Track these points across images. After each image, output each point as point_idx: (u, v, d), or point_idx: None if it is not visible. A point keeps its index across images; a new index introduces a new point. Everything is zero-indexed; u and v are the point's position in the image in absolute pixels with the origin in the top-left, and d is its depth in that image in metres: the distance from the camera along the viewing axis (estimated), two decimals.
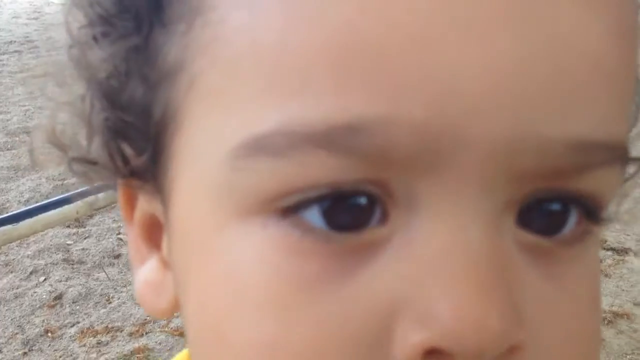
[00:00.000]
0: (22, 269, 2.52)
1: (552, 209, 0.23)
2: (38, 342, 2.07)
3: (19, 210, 1.54)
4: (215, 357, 0.24)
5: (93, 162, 0.29)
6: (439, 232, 0.20)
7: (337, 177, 0.20)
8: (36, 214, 1.39)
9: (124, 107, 0.26)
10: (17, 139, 4.14)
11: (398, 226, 0.21)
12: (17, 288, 2.38)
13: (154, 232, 0.30)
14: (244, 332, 0.22)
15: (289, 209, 0.21)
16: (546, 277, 0.22)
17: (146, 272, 0.30)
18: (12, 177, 3.44)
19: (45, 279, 2.44)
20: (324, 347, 0.21)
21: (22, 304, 2.28)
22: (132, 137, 0.27)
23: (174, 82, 0.24)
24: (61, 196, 1.57)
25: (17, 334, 2.12)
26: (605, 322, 2.02)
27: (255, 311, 0.22)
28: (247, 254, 0.22)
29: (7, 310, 2.25)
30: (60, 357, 1.99)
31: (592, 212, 0.23)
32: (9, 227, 1.41)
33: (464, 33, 0.19)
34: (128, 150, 0.27)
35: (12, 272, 2.50)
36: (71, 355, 1.99)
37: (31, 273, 2.48)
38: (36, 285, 2.39)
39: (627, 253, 2.45)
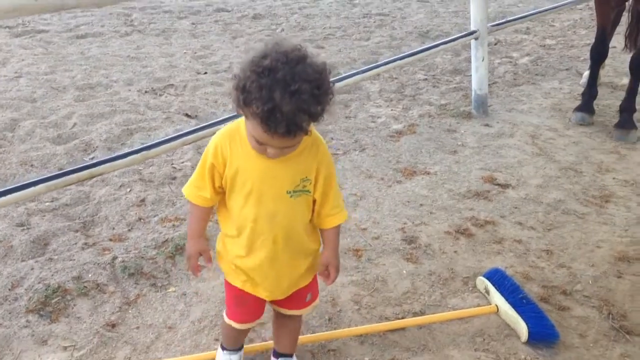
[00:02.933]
0: (113, 184, 3.61)
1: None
2: (136, 225, 3.17)
3: (133, 149, 2.80)
4: None
5: (237, 111, 1.58)
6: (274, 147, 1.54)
7: (258, 145, 1.55)
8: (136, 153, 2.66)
9: (241, 107, 1.54)
10: (86, 92, 5.19)
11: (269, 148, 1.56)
12: (114, 195, 3.47)
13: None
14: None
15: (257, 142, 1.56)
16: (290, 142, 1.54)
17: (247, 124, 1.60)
18: (89, 122, 4.47)
19: (130, 190, 3.54)
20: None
21: (119, 203, 3.37)
22: (242, 111, 1.56)
23: (246, 113, 1.54)
24: (140, 146, 2.81)
25: (121, 220, 3.20)
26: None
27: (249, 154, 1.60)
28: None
29: (110, 207, 3.34)
30: (150, 232, 3.09)
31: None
32: (143, 152, 2.68)
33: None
34: (241, 112, 1.57)
35: (107, 185, 3.59)
36: (159, 232, 3.08)
37: (120, 186, 3.58)
38: (125, 194, 3.49)
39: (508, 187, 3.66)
